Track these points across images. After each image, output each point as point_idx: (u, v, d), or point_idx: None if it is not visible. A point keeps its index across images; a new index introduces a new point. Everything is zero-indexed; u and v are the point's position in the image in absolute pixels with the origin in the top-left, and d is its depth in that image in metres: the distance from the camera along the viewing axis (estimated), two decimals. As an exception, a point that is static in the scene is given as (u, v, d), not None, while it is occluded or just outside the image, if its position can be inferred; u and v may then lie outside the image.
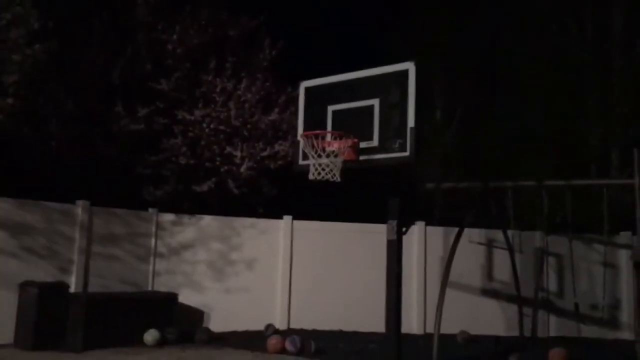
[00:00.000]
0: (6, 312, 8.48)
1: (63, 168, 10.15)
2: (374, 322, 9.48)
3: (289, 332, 10.04)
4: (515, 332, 10.77)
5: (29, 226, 8.94)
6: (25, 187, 9.29)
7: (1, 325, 8.42)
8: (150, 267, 10.40)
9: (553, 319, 11.35)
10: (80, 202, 9.54)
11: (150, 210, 10.59)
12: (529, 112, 14.62)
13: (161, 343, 8.98)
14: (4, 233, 8.64)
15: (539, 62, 14.39)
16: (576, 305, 9.48)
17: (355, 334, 10.63)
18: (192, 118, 10.92)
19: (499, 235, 10.85)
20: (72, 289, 9.09)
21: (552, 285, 11.34)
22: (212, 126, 11.01)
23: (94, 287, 9.54)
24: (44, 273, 8.95)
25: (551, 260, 11.29)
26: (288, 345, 8.66)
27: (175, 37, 11.04)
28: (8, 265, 8.63)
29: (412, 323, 10.90)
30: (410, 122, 7.17)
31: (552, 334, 11.23)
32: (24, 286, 8.57)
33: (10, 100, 8.10)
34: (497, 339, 9.59)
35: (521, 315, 10.64)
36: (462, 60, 15.00)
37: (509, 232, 10.19)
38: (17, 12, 8.13)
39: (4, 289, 8.52)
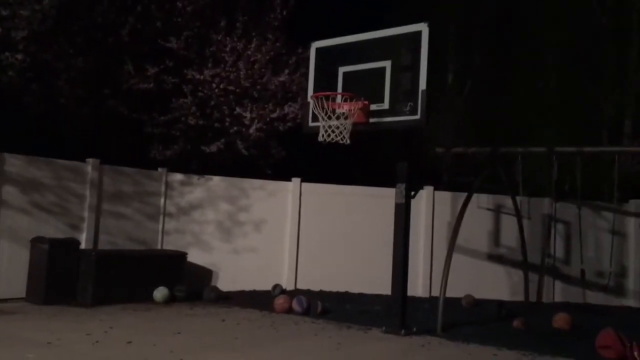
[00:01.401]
0: (18, 267, 8.62)
1: (73, 125, 10.17)
2: (380, 284, 9.60)
3: (295, 293, 10.16)
4: (520, 297, 10.88)
5: (40, 183, 9.01)
6: (35, 144, 9.32)
7: (13, 279, 8.58)
8: (160, 226, 10.49)
9: (559, 285, 11.42)
10: (90, 160, 9.58)
11: (159, 169, 10.63)
12: (542, 77, 14.42)
13: (170, 300, 9.13)
14: (15, 189, 8.71)
15: (555, 26, 14.10)
16: (582, 272, 9.53)
17: (361, 295, 10.75)
18: (202, 78, 10.85)
19: (507, 201, 10.84)
20: (82, 246, 9.21)
21: (559, 251, 11.37)
22: (221, 86, 10.94)
23: (104, 244, 9.66)
24: (54, 229, 9.05)
25: (559, 227, 11.29)
26: (295, 305, 8.78)
27: (185, -6, 10.88)
28: (19, 221, 8.73)
29: (417, 286, 10.99)
30: (422, 85, 7.10)
31: (557, 299, 11.31)
32: (35, 242, 8.69)
33: (19, 56, 8.07)
34: (501, 303, 9.67)
35: (527, 280, 10.73)
36: (476, 23, 14.74)
37: (518, 198, 10.19)
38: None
39: (16, 245, 8.65)
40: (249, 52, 11.14)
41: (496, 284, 11.22)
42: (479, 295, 10.51)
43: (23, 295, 8.63)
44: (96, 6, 10.21)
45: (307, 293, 10.22)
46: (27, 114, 9.88)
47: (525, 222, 10.82)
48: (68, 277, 8.66)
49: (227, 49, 11.06)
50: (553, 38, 14.20)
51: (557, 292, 11.40)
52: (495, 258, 11.41)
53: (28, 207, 8.86)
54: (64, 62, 9.74)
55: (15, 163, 8.74)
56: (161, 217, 10.52)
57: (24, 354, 5.58)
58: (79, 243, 9.11)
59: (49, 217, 9.07)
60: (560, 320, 8.46)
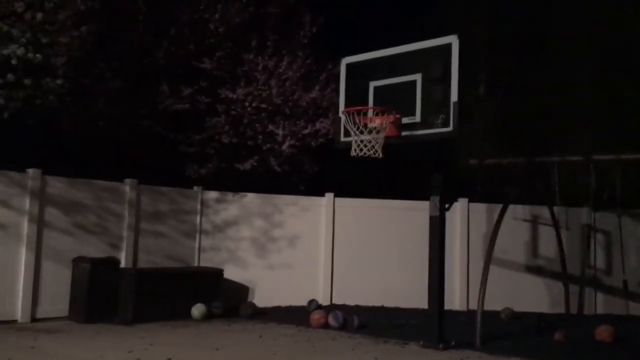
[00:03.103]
0: (61, 286, 8.85)
1: (111, 146, 10.43)
2: (416, 298, 9.54)
3: (331, 308, 10.15)
4: (560, 310, 10.66)
5: (80, 204, 9.26)
6: (75, 166, 9.59)
7: (56, 299, 8.80)
8: (196, 244, 10.65)
9: (600, 296, 11.14)
10: (128, 181, 9.82)
11: (195, 188, 10.82)
12: (577, 83, 14.14)
13: (207, 317, 9.23)
14: (57, 211, 8.97)
15: (589, 26, 13.80)
16: (625, 283, 9.30)
17: (396, 309, 10.68)
18: (235, 97, 11.03)
19: (544, 211, 10.67)
20: (122, 264, 9.41)
21: (600, 262, 11.11)
22: (254, 104, 11.10)
23: (143, 262, 9.85)
24: (95, 249, 9.28)
25: (599, 236, 11.05)
26: (331, 320, 8.77)
27: (217, 16, 11.11)
28: (62, 241, 8.97)
29: (454, 299, 10.87)
30: (453, 96, 7.09)
31: (600, 311, 11.03)
32: (77, 261, 8.91)
33: (59, 81, 8.33)
34: (540, 315, 9.49)
35: (567, 292, 10.50)
36: (507, 28, 14.57)
37: (555, 208, 10.02)
38: (64, -5, 8.32)
39: (59, 264, 8.88)
40: (280, 70, 11.29)
41: (535, 296, 11.01)
42: (517, 308, 10.32)
43: (66, 314, 8.85)
44: (132, 31, 10.52)
45: (343, 308, 10.20)
46: (66, 137, 10.18)
47: (563, 232, 10.63)
48: (109, 296, 8.84)
49: (259, 67, 11.23)
50: (589, 42, 13.94)
51: (599, 303, 11.12)
52: (533, 270, 11.21)
53: (69, 228, 9.11)
54: (102, 85, 10.04)
55: (56, 185, 9.01)
56: (197, 235, 10.68)
57: (68, 371, 5.71)
58: (119, 262, 9.31)
59: (89, 236, 9.30)
60: (602, 332, 8.25)
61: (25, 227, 8.57)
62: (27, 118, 8.45)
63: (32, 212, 8.63)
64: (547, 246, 11.05)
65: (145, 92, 10.70)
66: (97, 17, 8.99)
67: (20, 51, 7.60)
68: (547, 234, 10.98)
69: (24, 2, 7.69)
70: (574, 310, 10.69)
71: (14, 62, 7.65)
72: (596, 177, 9.26)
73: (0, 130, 8.89)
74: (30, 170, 8.72)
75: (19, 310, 8.41)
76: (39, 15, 7.79)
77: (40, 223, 8.72)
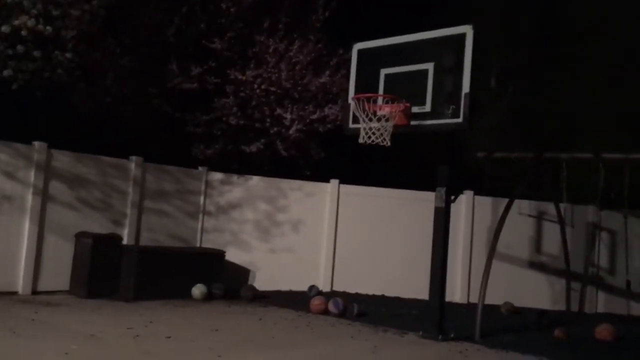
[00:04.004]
0: (63, 260, 8.86)
1: (118, 123, 10.40)
2: (417, 288, 9.54)
3: (332, 294, 10.15)
4: (561, 307, 10.65)
5: (86, 179, 9.25)
6: (81, 141, 9.57)
7: (58, 272, 8.82)
8: (199, 224, 10.64)
9: (602, 295, 11.11)
10: (134, 158, 9.79)
11: (200, 168, 10.79)
12: (589, 79, 13.99)
13: (208, 298, 9.25)
14: (62, 185, 8.96)
15: (603, 23, 13.63)
16: (628, 283, 9.26)
17: (397, 299, 10.68)
18: (244, 78, 10.96)
19: (550, 207, 10.62)
20: (124, 241, 9.41)
21: (603, 261, 11.06)
22: (263, 87, 11.03)
23: (145, 240, 9.85)
24: (98, 225, 9.28)
25: (604, 235, 11.00)
26: (331, 307, 8.77)
27: (229, -5, 11.02)
28: (65, 215, 8.98)
29: (455, 292, 10.85)
30: (465, 87, 7.02)
31: (601, 310, 11.01)
32: (80, 237, 8.92)
33: (69, 55, 8.28)
34: (541, 311, 9.47)
35: (569, 289, 10.48)
36: (521, 22, 14.40)
37: (561, 205, 9.96)
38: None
39: (61, 238, 8.89)
40: (291, 54, 11.20)
41: (537, 292, 10.98)
42: (518, 303, 10.30)
43: (67, 288, 8.88)
44: (143, 7, 10.43)
45: (343, 295, 10.19)
46: (74, 112, 10.15)
47: (568, 229, 10.58)
48: (110, 272, 8.86)
49: (270, 50, 11.15)
50: (602, 38, 13.77)
51: (601, 302, 11.09)
52: (536, 266, 11.18)
53: (73, 202, 9.10)
54: (111, 61, 9.99)
55: (62, 159, 9.00)
56: (201, 216, 10.67)
57: (68, 345, 5.72)
58: (121, 239, 9.32)
59: (93, 212, 9.30)
60: (603, 331, 8.23)
61: (29, 199, 8.56)
62: (35, 90, 8.41)
63: (37, 185, 8.63)
64: (551, 243, 11.01)
65: (154, 70, 10.64)
66: (109, -9, 8.92)
67: (30, 22, 7.55)
68: (551, 231, 10.93)
69: (36, -26, 7.63)
70: (575, 307, 10.67)
71: (24, 33, 7.60)
72: (605, 176, 9.18)
73: (7, 102, 8.87)
74: (36, 143, 8.70)
75: (20, 282, 8.44)
76: (51, -13, 7.74)
77: (44, 196, 8.72)
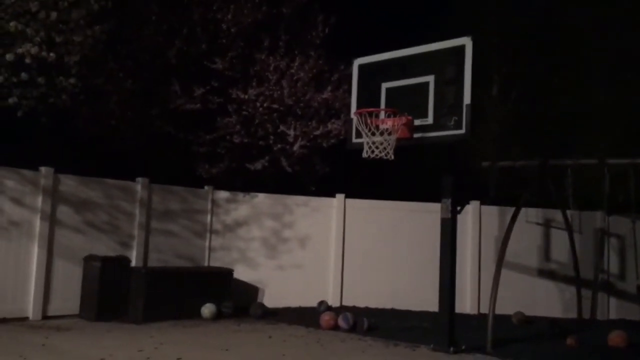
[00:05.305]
0: (72, 284, 8.89)
1: (122, 145, 10.47)
2: (427, 301, 9.48)
3: (341, 309, 10.12)
4: (572, 315, 10.55)
5: (92, 202, 9.29)
6: (87, 165, 9.64)
7: (67, 296, 8.84)
8: (206, 243, 10.66)
9: (613, 301, 11.02)
10: (140, 179, 9.84)
11: (205, 187, 10.83)
12: (592, 85, 13.99)
13: (217, 317, 9.23)
14: (69, 209, 9.01)
15: (605, 28, 13.63)
16: (638, 288, 9.18)
17: (407, 312, 10.62)
18: (246, 97, 11.03)
19: (557, 215, 10.57)
20: (132, 263, 9.43)
21: (613, 267, 10.98)
22: (265, 105, 11.09)
23: (153, 261, 9.87)
24: (106, 247, 9.31)
25: (612, 241, 10.94)
26: (341, 322, 8.74)
27: (229, 16, 11.12)
28: (73, 239, 9.01)
29: (465, 303, 10.79)
30: (467, 98, 7.04)
31: (613, 316, 10.91)
32: (88, 260, 8.95)
33: (72, 80, 8.37)
34: (553, 320, 9.39)
35: (580, 297, 10.40)
36: (521, 30, 14.44)
37: (568, 212, 9.92)
38: (78, -6, 8.35)
39: (70, 262, 8.92)
40: (292, 71, 11.27)
41: (547, 301, 10.91)
42: (529, 312, 10.24)
43: (77, 311, 8.89)
44: (144, 30, 10.55)
45: (353, 309, 10.16)
46: (79, 136, 10.24)
47: (576, 236, 10.52)
48: (119, 294, 8.87)
49: (271, 68, 11.22)
50: (604, 44, 13.77)
51: (612, 308, 11.00)
52: (546, 274, 11.11)
53: (81, 226, 9.14)
54: (115, 84, 10.09)
55: (68, 183, 9.05)
56: (208, 234, 10.69)
57: (78, 369, 5.72)
58: (129, 260, 9.34)
59: (100, 235, 9.33)
60: (616, 338, 8.16)
61: (37, 225, 8.61)
62: (40, 116, 8.49)
63: (45, 210, 8.67)
64: (560, 250, 10.95)
65: (157, 91, 10.73)
66: (110, 16, 9.02)
67: (34, 50, 7.64)
68: (560, 238, 10.88)
69: (38, 1, 7.71)
70: (586, 315, 10.58)
71: (27, 60, 7.68)
72: (610, 181, 9.15)
73: (14, 129, 8.95)
74: (43, 169, 8.77)
75: (30, 308, 8.46)
76: (53, 15, 7.82)
77: (52, 221, 8.76)
